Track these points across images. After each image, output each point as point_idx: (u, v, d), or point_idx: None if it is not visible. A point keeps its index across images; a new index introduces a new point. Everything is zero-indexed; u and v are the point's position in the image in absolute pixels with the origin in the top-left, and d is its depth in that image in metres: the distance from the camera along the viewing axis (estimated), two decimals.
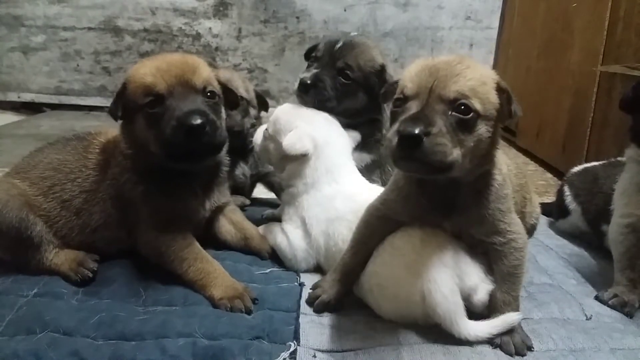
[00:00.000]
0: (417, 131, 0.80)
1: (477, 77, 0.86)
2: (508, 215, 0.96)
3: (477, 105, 0.85)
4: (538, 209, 1.30)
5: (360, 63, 1.28)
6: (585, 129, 1.85)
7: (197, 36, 2.76)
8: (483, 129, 0.86)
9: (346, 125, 1.28)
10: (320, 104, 1.26)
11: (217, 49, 2.78)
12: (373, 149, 1.35)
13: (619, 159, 1.48)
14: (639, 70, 1.50)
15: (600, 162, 1.52)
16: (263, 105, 1.59)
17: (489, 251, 0.98)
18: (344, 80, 1.27)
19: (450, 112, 0.84)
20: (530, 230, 1.24)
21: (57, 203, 1.15)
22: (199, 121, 1.00)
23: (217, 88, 1.12)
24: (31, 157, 1.22)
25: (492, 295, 0.97)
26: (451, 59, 0.89)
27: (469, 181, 0.92)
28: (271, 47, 2.79)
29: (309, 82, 1.25)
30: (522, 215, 1.09)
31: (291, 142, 1.18)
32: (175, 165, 1.09)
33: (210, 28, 2.76)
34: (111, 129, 1.22)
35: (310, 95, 1.26)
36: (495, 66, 2.80)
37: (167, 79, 1.04)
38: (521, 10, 2.55)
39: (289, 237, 1.21)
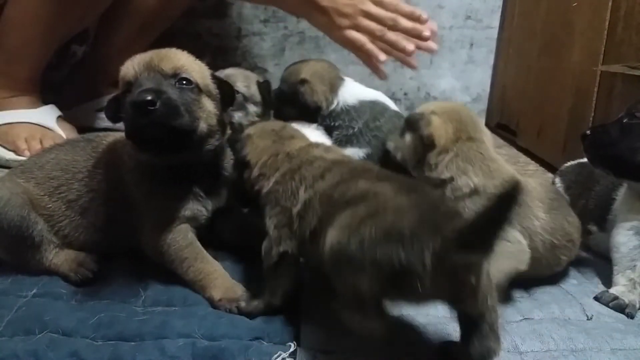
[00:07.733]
0: None
1: None
2: None
3: None
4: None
5: None
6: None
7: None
8: None
9: None
10: None
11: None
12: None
13: None
14: (639, 70, 1.50)
15: None
16: (268, 105, 1.58)
17: None
18: None
19: None
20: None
21: (62, 203, 1.15)
22: (147, 97, 0.94)
23: (196, 77, 1.07)
24: (38, 158, 1.22)
25: None
26: None
27: None
28: (271, 47, 2.78)
29: None
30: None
31: None
32: (145, 155, 1.08)
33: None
34: (118, 133, 1.22)
35: None
36: (495, 66, 2.80)
37: (136, 67, 1.04)
38: (521, 10, 2.55)
39: None
